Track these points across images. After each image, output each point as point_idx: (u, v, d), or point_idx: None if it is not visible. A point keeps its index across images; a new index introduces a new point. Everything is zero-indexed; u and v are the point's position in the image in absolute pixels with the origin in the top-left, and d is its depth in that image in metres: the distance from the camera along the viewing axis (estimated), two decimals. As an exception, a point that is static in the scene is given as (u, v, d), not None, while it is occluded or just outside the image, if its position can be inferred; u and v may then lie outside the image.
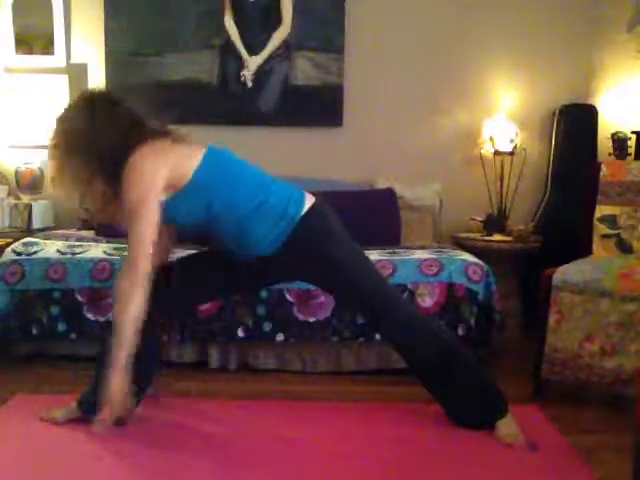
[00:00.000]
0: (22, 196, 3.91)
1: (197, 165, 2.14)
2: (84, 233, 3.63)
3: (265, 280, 2.57)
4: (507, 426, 2.31)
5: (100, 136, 2.10)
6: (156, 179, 2.07)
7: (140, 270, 2.05)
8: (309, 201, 2.27)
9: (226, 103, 4.04)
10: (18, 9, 3.95)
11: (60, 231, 3.67)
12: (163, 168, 2.08)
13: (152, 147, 2.11)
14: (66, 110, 2.20)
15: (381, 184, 3.92)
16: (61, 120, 2.18)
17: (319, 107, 4.05)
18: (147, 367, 2.38)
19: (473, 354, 2.49)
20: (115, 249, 3.17)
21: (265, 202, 2.19)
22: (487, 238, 3.80)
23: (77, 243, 3.28)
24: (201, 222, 2.20)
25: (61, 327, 3.04)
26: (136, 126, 2.16)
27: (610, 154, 3.61)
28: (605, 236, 3.08)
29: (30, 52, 3.99)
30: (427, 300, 3.00)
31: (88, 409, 2.28)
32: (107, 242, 3.31)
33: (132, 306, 2.04)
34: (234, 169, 2.25)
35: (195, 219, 2.19)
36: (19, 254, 3.13)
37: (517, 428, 2.31)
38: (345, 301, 2.61)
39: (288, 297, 2.98)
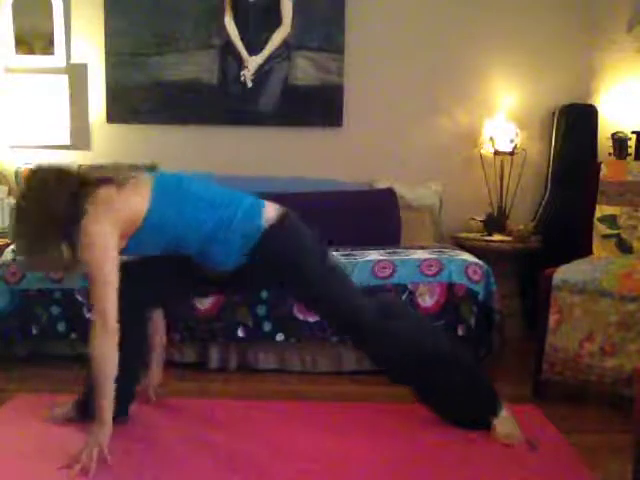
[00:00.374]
0: (22, 196, 3.91)
1: (147, 205, 2.14)
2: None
3: (240, 287, 2.57)
4: (503, 425, 2.30)
5: (52, 213, 2.09)
6: (107, 239, 2.08)
7: (109, 324, 2.07)
8: (272, 212, 2.25)
9: (226, 103, 4.04)
10: (18, 9, 3.94)
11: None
12: (110, 226, 2.09)
13: (95, 206, 2.09)
14: (22, 193, 2.20)
15: (381, 184, 3.92)
16: (18, 203, 2.19)
17: (319, 107, 4.05)
18: (135, 368, 2.40)
19: (461, 349, 2.47)
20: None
21: (224, 219, 2.18)
22: (487, 238, 3.80)
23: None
24: (165, 250, 2.24)
25: (61, 327, 3.04)
26: (80, 192, 2.13)
27: (610, 154, 3.61)
28: (605, 236, 3.08)
29: (30, 52, 3.99)
30: (427, 300, 3.00)
31: (83, 411, 2.34)
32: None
33: (109, 361, 2.07)
34: (186, 195, 2.21)
35: (157, 249, 2.24)
36: (19, 254, 3.13)
37: (515, 427, 2.31)
38: (320, 315, 2.58)
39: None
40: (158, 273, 2.36)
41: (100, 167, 2.28)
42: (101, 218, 2.08)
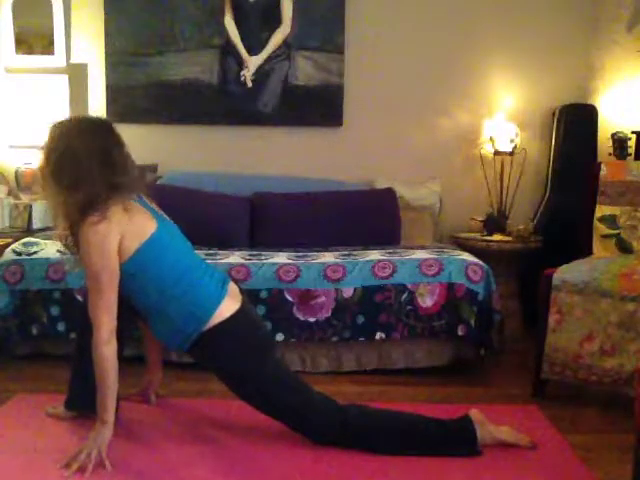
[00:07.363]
0: (22, 196, 3.91)
1: (136, 247, 2.11)
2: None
3: None
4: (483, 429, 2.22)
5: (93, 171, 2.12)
6: (109, 241, 2.06)
7: (108, 329, 2.07)
8: (226, 309, 2.17)
9: (226, 103, 4.05)
10: (18, 9, 3.95)
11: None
12: (115, 234, 2.07)
13: (101, 215, 2.07)
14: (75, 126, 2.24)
15: (381, 184, 3.93)
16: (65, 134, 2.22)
17: (319, 107, 4.05)
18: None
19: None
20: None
21: (179, 300, 2.15)
22: (487, 238, 3.80)
23: (77, 243, 3.28)
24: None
25: (61, 327, 3.04)
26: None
27: (610, 154, 3.61)
28: (605, 236, 3.08)
29: (30, 52, 3.99)
30: (427, 300, 3.00)
31: (77, 405, 2.38)
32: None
33: (109, 363, 2.07)
34: (160, 269, 2.17)
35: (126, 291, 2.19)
36: (19, 254, 3.13)
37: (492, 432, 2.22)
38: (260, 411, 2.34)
39: (288, 297, 2.98)
40: None
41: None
42: (109, 222, 2.06)
